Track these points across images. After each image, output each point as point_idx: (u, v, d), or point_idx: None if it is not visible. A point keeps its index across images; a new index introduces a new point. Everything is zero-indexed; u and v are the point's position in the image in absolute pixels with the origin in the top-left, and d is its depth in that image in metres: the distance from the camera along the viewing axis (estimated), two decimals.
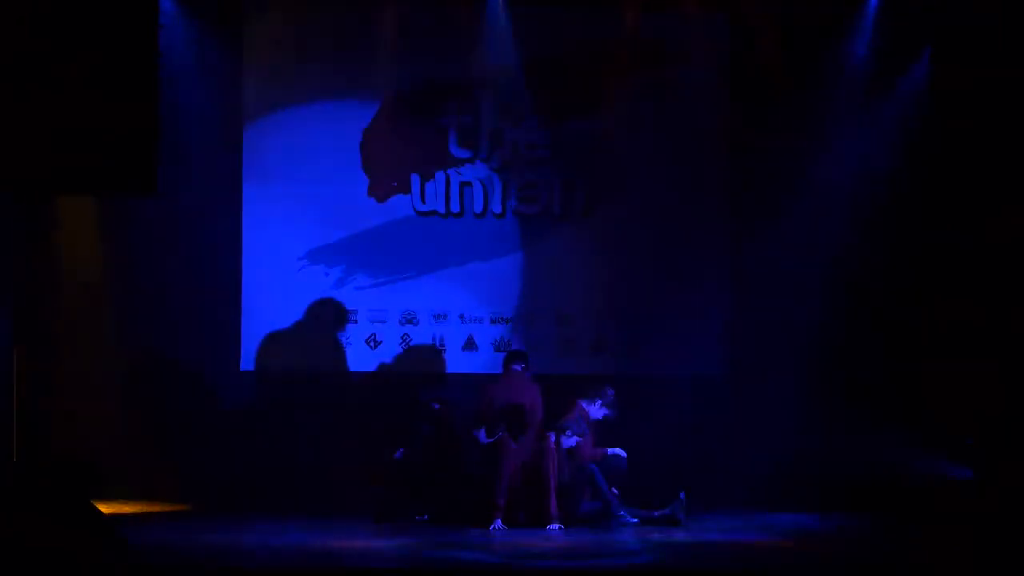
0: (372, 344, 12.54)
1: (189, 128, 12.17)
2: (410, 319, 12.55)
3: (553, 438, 10.85)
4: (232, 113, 12.48)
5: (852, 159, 12.42)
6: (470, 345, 12.55)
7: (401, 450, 11.29)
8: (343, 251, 12.56)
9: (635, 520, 10.77)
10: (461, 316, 12.56)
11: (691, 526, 10.66)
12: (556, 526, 10.52)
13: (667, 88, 12.55)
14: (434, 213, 12.60)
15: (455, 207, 12.59)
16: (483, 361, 12.39)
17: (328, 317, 12.49)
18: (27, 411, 11.51)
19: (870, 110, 12.44)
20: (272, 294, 12.47)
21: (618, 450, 11.13)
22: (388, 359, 12.53)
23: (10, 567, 8.18)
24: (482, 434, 10.87)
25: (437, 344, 12.57)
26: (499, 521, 10.55)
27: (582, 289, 12.57)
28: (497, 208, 12.61)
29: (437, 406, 11.35)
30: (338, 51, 12.52)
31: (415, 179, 12.62)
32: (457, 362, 12.53)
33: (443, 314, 12.56)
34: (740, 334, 12.45)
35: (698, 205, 12.59)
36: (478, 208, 12.60)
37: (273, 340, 12.47)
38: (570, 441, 10.90)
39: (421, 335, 12.56)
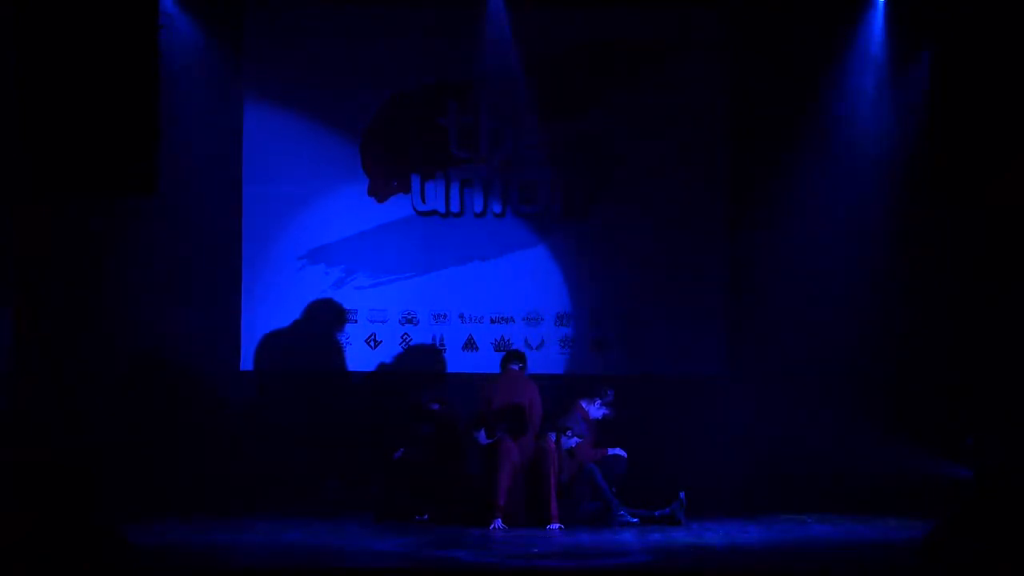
0: (372, 344, 12.54)
1: (189, 128, 12.18)
2: (410, 319, 12.56)
3: (553, 438, 10.85)
4: (232, 113, 12.49)
5: (853, 158, 12.42)
6: (470, 345, 12.55)
7: (401, 450, 11.29)
8: (343, 251, 12.57)
9: (635, 520, 10.78)
10: (461, 316, 12.57)
11: (691, 526, 10.66)
12: (556, 526, 10.52)
13: (666, 88, 12.56)
14: (434, 213, 12.61)
15: (455, 207, 12.60)
16: (483, 361, 12.39)
17: (328, 317, 12.50)
18: (27, 411, 11.50)
19: (871, 108, 12.44)
20: (272, 294, 12.48)
21: (618, 450, 11.14)
22: (388, 359, 12.54)
23: (10, 567, 8.19)
24: (482, 435, 10.88)
25: (437, 344, 12.57)
26: (499, 521, 10.55)
27: (582, 289, 12.58)
28: (497, 208, 12.61)
29: (436, 406, 11.35)
30: (338, 51, 12.54)
31: (415, 179, 12.62)
32: (457, 362, 12.53)
33: (443, 314, 12.56)
34: (740, 334, 12.46)
35: (698, 205, 12.59)
36: (478, 208, 12.60)
37: (273, 340, 12.48)
38: (570, 441, 10.90)
39: (421, 335, 12.56)
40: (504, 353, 11.53)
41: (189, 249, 12.30)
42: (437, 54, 12.55)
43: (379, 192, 12.64)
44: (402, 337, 12.57)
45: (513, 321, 12.56)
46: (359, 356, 12.55)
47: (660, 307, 12.54)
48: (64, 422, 11.63)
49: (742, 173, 12.52)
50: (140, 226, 12.14)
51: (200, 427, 12.17)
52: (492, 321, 12.58)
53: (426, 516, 11.01)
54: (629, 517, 10.77)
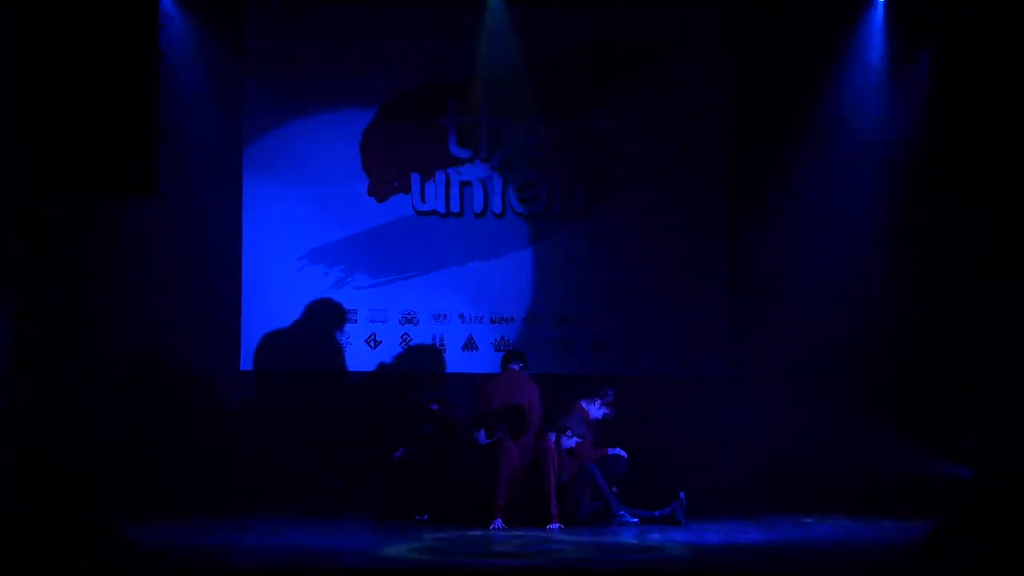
0: (372, 344, 12.54)
1: (189, 128, 12.19)
2: (410, 319, 12.56)
3: (553, 438, 10.85)
4: (232, 113, 12.50)
5: (853, 159, 12.42)
6: (470, 345, 12.55)
7: (401, 450, 11.29)
8: (343, 251, 12.57)
9: (635, 520, 10.77)
10: (461, 316, 12.57)
11: (691, 526, 10.66)
12: (556, 526, 10.52)
13: (666, 88, 12.56)
14: (434, 213, 12.61)
15: (455, 207, 12.60)
16: (483, 361, 12.40)
17: (328, 317, 12.50)
18: (27, 411, 11.50)
19: (872, 108, 12.44)
20: (272, 294, 12.49)
21: (618, 450, 11.14)
22: (388, 359, 12.54)
23: (10, 567, 8.19)
24: (482, 435, 10.88)
25: (437, 344, 12.57)
26: (499, 521, 10.55)
27: (582, 289, 12.58)
28: (497, 208, 12.61)
29: (435, 407, 11.34)
30: (338, 51, 12.54)
31: (415, 179, 12.63)
32: (457, 362, 12.54)
33: (443, 314, 12.57)
34: (740, 335, 12.46)
35: (698, 205, 12.60)
36: (478, 208, 12.61)
37: (273, 340, 12.48)
38: (570, 441, 10.90)
39: (421, 335, 12.56)
40: (504, 352, 11.53)
41: (189, 249, 12.31)
42: (437, 54, 12.55)
43: (379, 192, 12.64)
44: (402, 337, 12.57)
45: (513, 321, 12.56)
46: (359, 356, 12.55)
47: (660, 307, 12.55)
48: (64, 422, 11.64)
49: (742, 173, 12.53)
50: (140, 226, 12.14)
51: (200, 427, 12.19)
52: (492, 321, 12.58)
53: (426, 516, 11.00)
54: (629, 517, 10.77)
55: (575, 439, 10.91)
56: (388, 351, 12.57)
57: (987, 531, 8.75)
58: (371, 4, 12.56)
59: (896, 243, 12.30)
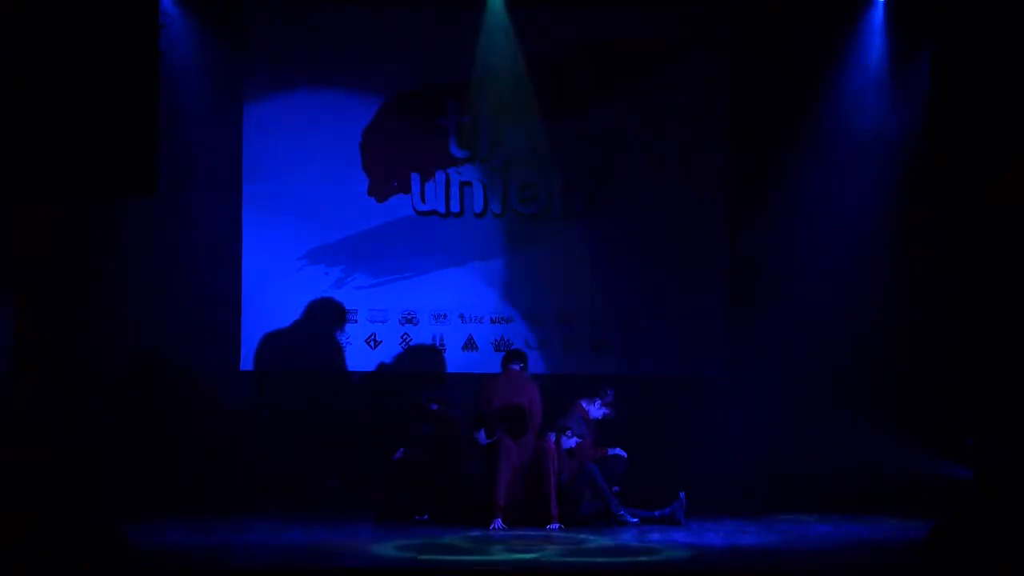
0: (372, 344, 12.54)
1: (189, 128, 12.20)
2: (410, 319, 12.56)
3: (553, 438, 10.85)
4: (232, 113, 12.50)
5: (853, 159, 12.42)
6: (470, 345, 12.55)
7: (401, 450, 11.29)
8: (343, 251, 12.57)
9: (635, 520, 10.78)
10: (461, 316, 12.57)
11: (691, 526, 10.66)
12: (556, 526, 10.53)
13: (666, 88, 12.56)
14: (434, 213, 12.61)
15: (455, 207, 12.60)
16: (483, 361, 12.39)
17: (328, 317, 12.50)
18: (27, 411, 11.50)
19: (871, 108, 12.44)
20: (272, 294, 12.48)
21: (618, 450, 11.15)
22: (388, 359, 12.54)
23: (10, 567, 8.19)
24: (482, 435, 10.89)
25: (437, 344, 12.57)
26: (499, 521, 10.55)
27: (582, 289, 12.57)
28: (497, 208, 12.61)
29: (435, 407, 11.35)
30: (338, 51, 12.54)
31: (415, 179, 12.63)
32: (457, 362, 12.53)
33: (443, 314, 12.56)
34: (740, 335, 12.46)
35: (698, 205, 12.60)
36: (478, 208, 12.60)
37: (273, 340, 12.48)
38: (570, 441, 10.91)
39: (421, 335, 12.56)
40: (505, 353, 11.53)
41: (189, 249, 12.30)
42: (437, 54, 12.55)
43: (379, 192, 12.64)
44: (402, 337, 12.57)
45: (513, 321, 12.56)
46: (359, 356, 12.55)
47: (660, 307, 12.54)
48: (64, 422, 11.63)
49: (742, 173, 12.53)
50: (140, 226, 12.14)
51: (200, 427, 12.18)
52: (492, 321, 12.58)
53: (426, 516, 11.01)
54: (629, 517, 10.78)
55: (575, 439, 10.92)
56: (388, 351, 12.57)
57: (987, 531, 8.75)
58: (371, 4, 12.56)
59: (896, 243, 12.30)
